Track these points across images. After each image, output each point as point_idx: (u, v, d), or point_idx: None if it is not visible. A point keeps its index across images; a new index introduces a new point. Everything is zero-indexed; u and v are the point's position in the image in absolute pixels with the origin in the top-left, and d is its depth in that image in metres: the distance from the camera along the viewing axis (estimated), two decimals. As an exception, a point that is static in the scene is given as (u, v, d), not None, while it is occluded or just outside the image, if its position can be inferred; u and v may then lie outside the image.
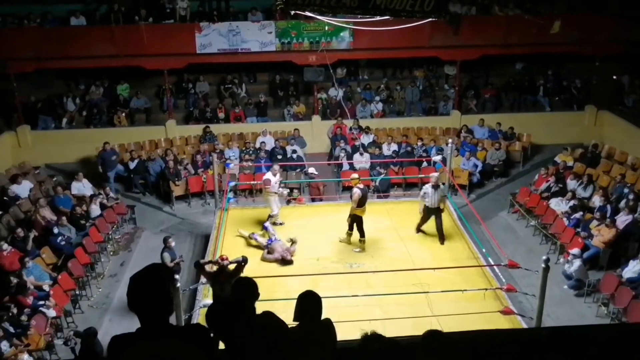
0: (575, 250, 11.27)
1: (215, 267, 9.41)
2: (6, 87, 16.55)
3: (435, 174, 12.20)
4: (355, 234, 11.81)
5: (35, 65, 16.32)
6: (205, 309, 8.58)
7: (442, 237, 12.00)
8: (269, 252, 11.45)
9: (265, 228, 12.11)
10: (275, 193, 12.40)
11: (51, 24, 17.15)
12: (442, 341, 3.50)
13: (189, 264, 11.86)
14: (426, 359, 3.40)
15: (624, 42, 16.47)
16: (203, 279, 9.77)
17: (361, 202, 11.38)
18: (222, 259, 9.54)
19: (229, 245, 11.78)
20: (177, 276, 8.35)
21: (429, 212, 11.97)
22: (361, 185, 11.56)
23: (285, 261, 11.31)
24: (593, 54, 17.39)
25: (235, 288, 3.74)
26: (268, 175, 12.43)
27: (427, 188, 11.89)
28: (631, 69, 18.14)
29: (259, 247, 11.76)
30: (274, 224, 12.42)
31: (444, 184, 13.93)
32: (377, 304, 9.79)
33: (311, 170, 13.26)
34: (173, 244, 11.24)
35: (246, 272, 9.41)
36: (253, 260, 10.70)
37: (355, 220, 11.63)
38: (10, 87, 16.41)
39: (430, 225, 12.21)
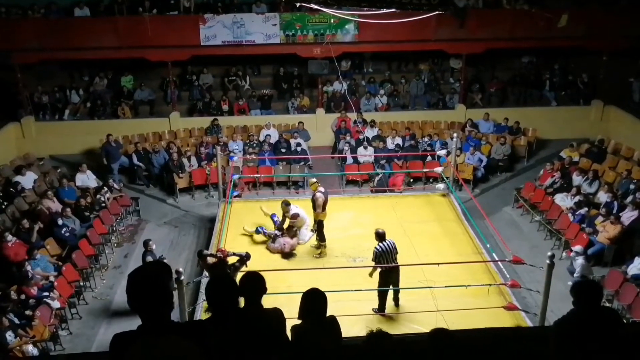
0: (577, 248, 11.20)
1: (214, 260, 9.45)
2: (10, 78, 16.54)
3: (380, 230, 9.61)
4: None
5: (39, 56, 16.31)
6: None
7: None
8: (272, 241, 11.55)
9: (272, 218, 12.07)
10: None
11: (55, 14, 17.07)
12: (449, 339, 3.47)
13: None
14: (433, 357, 3.37)
15: (631, 37, 16.31)
16: (206, 272, 9.81)
17: (324, 206, 11.23)
18: (222, 252, 9.56)
19: (233, 238, 11.80)
20: (181, 269, 8.32)
21: None
22: (322, 189, 11.40)
23: (288, 254, 11.34)
24: (600, 49, 17.26)
25: (243, 282, 3.71)
26: (297, 210, 11.79)
27: None
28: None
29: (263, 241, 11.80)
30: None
31: (448, 177, 13.93)
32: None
33: (235, 176, 13.78)
34: (154, 246, 11.08)
35: (249, 266, 9.44)
36: (255, 253, 10.72)
37: (320, 225, 11.39)
38: (15, 78, 16.40)
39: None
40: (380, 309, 9.55)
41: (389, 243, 9.37)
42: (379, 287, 9.43)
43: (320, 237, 11.49)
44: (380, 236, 9.40)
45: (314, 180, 11.79)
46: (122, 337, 2.71)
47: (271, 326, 3.59)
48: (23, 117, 16.80)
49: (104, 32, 16.23)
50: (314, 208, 11.24)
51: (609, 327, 3.56)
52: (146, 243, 11.02)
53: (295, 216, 11.59)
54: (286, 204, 11.72)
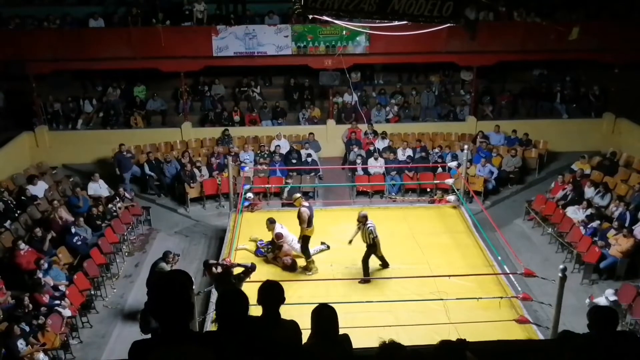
0: (609, 292, 10.55)
1: (220, 269, 9.47)
2: (25, 88, 16.76)
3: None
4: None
5: (53, 66, 16.52)
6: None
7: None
8: (274, 259, 11.55)
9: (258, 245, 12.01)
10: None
11: (70, 25, 17.33)
12: (458, 351, 3.47)
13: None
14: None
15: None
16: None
17: (310, 221, 11.00)
18: (226, 262, 9.60)
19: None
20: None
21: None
22: (306, 203, 11.22)
23: (292, 266, 11.36)
24: (612, 62, 17.21)
25: (263, 291, 3.70)
26: (281, 229, 11.42)
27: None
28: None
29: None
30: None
31: (459, 189, 13.93)
32: (390, 311, 9.78)
33: (249, 195, 13.76)
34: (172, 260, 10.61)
35: (259, 277, 9.45)
36: (263, 266, 10.75)
37: (305, 241, 11.11)
38: (29, 88, 16.61)
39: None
40: (365, 274, 10.71)
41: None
42: (365, 257, 10.72)
43: (305, 254, 11.19)
44: (365, 217, 10.68)
45: (298, 195, 11.56)
46: (141, 345, 2.73)
47: (288, 337, 3.59)
48: (37, 127, 16.99)
49: (117, 43, 16.42)
50: (300, 224, 11.00)
51: (626, 353, 3.55)
52: (166, 255, 10.61)
53: (279, 236, 11.28)
54: (271, 222, 11.42)
